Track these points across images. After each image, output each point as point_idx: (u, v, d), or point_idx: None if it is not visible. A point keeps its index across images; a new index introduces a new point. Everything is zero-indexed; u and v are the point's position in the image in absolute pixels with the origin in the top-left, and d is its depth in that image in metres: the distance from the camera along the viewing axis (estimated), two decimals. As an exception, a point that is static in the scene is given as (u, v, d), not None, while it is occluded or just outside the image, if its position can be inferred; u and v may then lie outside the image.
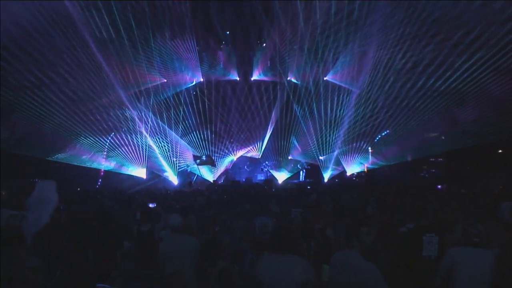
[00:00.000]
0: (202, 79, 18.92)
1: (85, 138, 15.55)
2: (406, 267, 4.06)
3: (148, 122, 17.16)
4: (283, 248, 3.01)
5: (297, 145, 19.67)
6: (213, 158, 18.72)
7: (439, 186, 14.77)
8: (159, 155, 17.92)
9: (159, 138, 17.62)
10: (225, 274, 3.47)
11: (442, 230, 4.48)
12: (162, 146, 17.80)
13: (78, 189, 15.93)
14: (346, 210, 6.38)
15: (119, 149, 16.85)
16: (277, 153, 20.02)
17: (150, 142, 17.27)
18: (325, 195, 10.06)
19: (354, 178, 18.95)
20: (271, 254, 3.04)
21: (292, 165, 20.23)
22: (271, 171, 20.35)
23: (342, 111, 16.94)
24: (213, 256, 4.51)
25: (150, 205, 7.33)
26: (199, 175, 19.25)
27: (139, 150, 17.18)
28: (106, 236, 5.33)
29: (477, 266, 3.48)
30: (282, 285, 2.89)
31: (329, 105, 17.28)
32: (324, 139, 17.83)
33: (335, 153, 18.01)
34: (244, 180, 19.22)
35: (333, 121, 17.38)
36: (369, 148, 18.20)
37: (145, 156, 17.24)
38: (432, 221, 4.70)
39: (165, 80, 17.93)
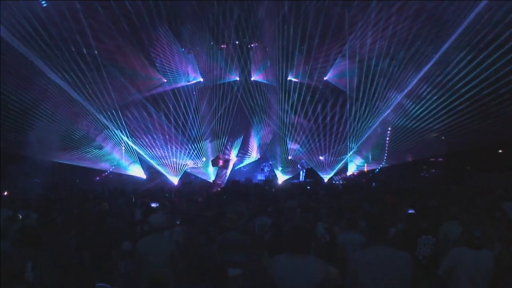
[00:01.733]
0: (201, 79, 18.89)
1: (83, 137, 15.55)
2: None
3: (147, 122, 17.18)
4: (300, 248, 3.00)
5: (296, 146, 19.67)
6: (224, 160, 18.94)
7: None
8: (157, 156, 17.92)
9: (157, 139, 17.60)
10: (219, 270, 3.46)
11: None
12: (160, 147, 17.79)
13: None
14: (346, 209, 6.42)
15: (116, 148, 16.85)
16: (276, 153, 19.99)
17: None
18: (324, 195, 10.10)
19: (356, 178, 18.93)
20: (287, 255, 3.03)
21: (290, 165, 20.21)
22: (274, 170, 20.25)
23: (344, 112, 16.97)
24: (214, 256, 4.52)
25: (153, 205, 7.34)
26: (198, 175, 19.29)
27: (135, 149, 17.23)
28: (103, 236, 5.33)
29: (478, 267, 3.52)
30: (299, 285, 2.89)
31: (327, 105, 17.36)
32: (324, 140, 17.85)
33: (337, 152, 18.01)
34: (243, 180, 19.21)
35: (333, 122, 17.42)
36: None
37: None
38: (431, 222, 4.72)
39: (165, 80, 17.95)
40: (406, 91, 14.21)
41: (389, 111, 15.45)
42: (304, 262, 2.95)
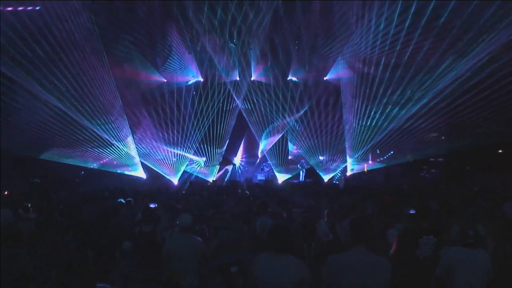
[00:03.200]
0: (201, 79, 18.86)
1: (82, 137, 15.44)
2: (401, 267, 4.07)
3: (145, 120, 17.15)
4: (279, 247, 3.02)
5: (296, 147, 19.70)
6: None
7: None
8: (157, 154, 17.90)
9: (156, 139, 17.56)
10: (225, 270, 3.48)
11: (440, 231, 4.52)
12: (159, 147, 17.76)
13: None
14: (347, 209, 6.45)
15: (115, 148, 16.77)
16: (276, 153, 20.00)
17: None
18: (324, 195, 10.13)
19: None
20: (267, 253, 3.05)
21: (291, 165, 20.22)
22: (274, 170, 20.26)
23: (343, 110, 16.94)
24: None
25: (151, 205, 7.32)
26: (197, 174, 19.31)
27: (135, 149, 17.18)
28: (105, 236, 5.33)
29: (473, 266, 3.57)
30: (277, 284, 2.91)
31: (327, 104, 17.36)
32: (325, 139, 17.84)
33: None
34: (243, 180, 19.21)
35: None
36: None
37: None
38: (432, 222, 4.71)
39: (165, 80, 17.92)
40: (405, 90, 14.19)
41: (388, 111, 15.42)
42: (282, 261, 2.97)
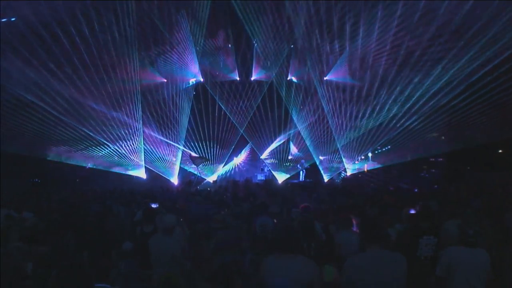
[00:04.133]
0: (202, 79, 18.83)
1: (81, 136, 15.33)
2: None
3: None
4: (288, 248, 2.99)
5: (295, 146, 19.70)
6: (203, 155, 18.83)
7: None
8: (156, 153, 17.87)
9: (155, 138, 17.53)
10: (228, 271, 3.47)
11: (440, 230, 4.52)
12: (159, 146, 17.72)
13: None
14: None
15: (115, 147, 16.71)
16: (276, 153, 19.99)
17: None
18: (324, 195, 10.13)
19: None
20: (276, 254, 3.02)
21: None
22: (272, 171, 20.26)
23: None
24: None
25: (152, 206, 7.31)
26: (198, 174, 19.25)
27: (135, 149, 17.12)
28: (102, 236, 5.33)
29: (473, 265, 3.57)
30: (288, 285, 2.87)
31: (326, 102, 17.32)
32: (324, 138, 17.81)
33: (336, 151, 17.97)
34: (243, 180, 19.17)
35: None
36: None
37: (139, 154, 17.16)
38: (432, 222, 4.71)
39: (165, 80, 17.89)
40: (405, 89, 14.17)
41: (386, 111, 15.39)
42: (293, 262, 2.94)
